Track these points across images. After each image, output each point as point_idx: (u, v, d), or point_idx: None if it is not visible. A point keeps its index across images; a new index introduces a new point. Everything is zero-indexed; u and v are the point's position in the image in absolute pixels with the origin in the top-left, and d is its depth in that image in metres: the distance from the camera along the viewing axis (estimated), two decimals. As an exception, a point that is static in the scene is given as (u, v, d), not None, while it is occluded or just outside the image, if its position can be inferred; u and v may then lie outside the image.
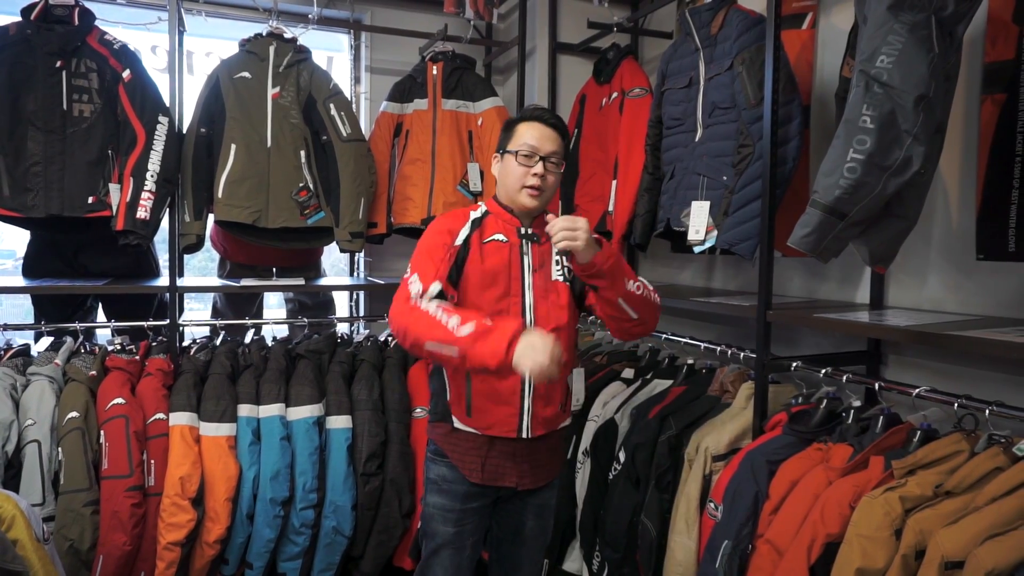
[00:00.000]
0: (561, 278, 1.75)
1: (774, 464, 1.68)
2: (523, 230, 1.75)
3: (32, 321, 2.59)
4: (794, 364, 1.86)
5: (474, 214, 1.78)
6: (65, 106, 2.31)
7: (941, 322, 1.63)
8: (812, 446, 1.68)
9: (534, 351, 1.35)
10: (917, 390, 1.58)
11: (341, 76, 3.25)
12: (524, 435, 1.72)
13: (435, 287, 1.61)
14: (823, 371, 1.81)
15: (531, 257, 1.74)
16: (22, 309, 3.32)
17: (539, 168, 1.69)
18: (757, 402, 1.88)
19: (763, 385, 1.87)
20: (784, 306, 1.99)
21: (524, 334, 1.39)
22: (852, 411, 1.70)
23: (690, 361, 2.29)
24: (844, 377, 1.77)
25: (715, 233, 2.02)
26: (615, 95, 2.69)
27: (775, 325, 1.87)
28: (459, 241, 1.72)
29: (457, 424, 1.75)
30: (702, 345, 2.25)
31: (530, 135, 1.70)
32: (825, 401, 1.77)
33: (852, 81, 1.37)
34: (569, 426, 1.88)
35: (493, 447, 1.73)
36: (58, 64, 2.30)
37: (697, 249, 2.08)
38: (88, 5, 2.39)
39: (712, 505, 1.76)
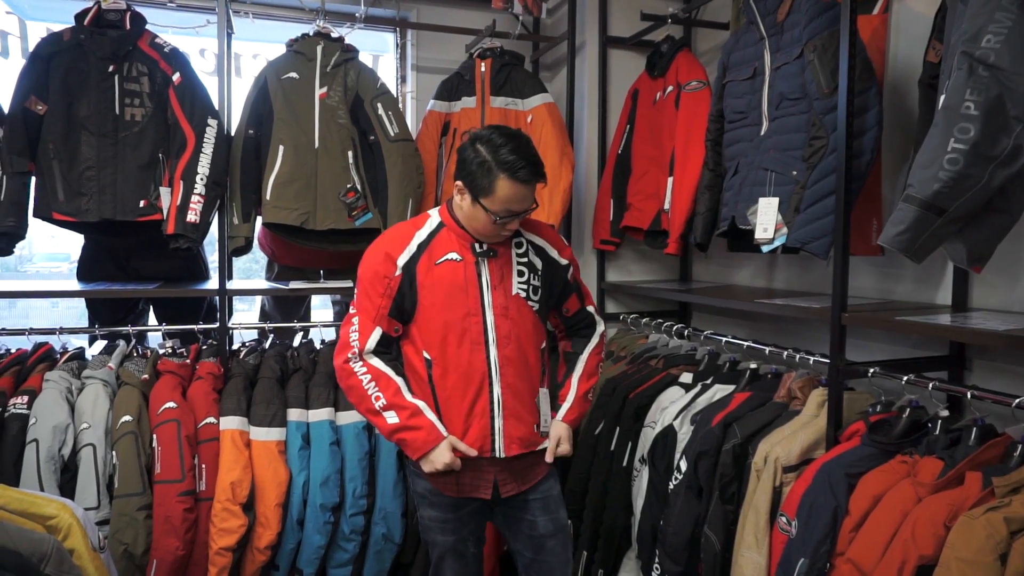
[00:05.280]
0: (522, 293, 1.70)
1: (854, 477, 1.57)
2: (478, 246, 1.68)
3: (85, 324, 2.60)
4: (871, 370, 1.75)
5: (421, 233, 1.69)
6: (117, 110, 2.31)
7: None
8: (895, 458, 1.56)
9: (437, 462, 1.63)
10: (1017, 400, 1.45)
11: (387, 76, 3.21)
12: (498, 455, 1.70)
13: (373, 340, 1.66)
14: (904, 378, 1.69)
15: (489, 274, 1.67)
16: (76, 312, 3.37)
17: (514, 224, 1.66)
18: (831, 410, 1.76)
19: (837, 392, 1.76)
20: (858, 308, 1.86)
21: (436, 446, 1.63)
22: (940, 421, 1.58)
23: (753, 365, 2.18)
24: (930, 385, 1.64)
25: (785, 231, 1.90)
26: (670, 89, 2.59)
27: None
28: (400, 270, 1.65)
29: None
30: (767, 349, 2.14)
31: (512, 199, 1.59)
32: (908, 410, 1.65)
33: (952, 64, 1.25)
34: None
35: (466, 466, 1.70)
36: (110, 68, 2.30)
37: (765, 248, 1.97)
38: (138, 9, 2.40)
39: (784, 519, 1.66)
